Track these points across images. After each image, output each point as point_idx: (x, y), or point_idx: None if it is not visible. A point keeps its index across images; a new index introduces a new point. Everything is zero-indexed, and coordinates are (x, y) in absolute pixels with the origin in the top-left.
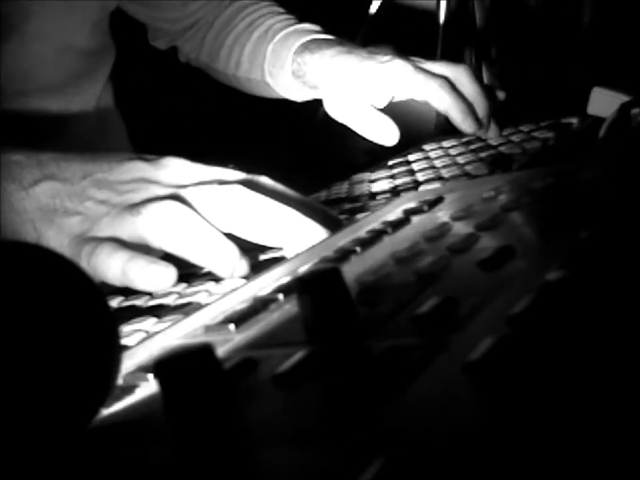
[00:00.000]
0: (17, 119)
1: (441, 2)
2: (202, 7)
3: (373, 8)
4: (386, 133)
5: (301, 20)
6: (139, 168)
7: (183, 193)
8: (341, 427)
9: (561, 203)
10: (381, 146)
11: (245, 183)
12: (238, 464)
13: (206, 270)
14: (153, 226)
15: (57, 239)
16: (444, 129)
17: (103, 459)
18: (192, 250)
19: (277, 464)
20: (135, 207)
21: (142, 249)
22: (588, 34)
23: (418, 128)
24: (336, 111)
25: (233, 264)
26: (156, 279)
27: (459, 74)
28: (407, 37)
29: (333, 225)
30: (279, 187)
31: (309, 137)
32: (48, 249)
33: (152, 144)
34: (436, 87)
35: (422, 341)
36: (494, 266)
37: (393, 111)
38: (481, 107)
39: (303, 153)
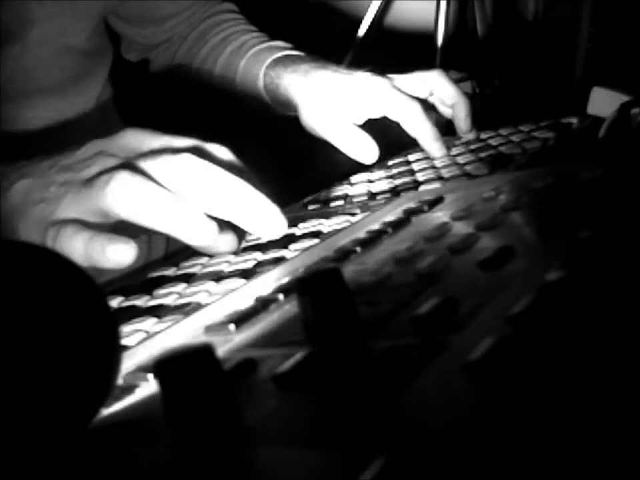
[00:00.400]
0: (18, 119)
1: (441, 4)
2: (178, 23)
3: (362, 30)
4: (364, 150)
5: (280, 39)
6: (95, 145)
7: (135, 162)
8: (341, 426)
9: (560, 202)
10: (385, 143)
11: (197, 151)
12: (238, 464)
13: (206, 270)
14: (108, 197)
15: (26, 230)
16: (444, 129)
17: (103, 459)
18: (152, 217)
19: (277, 464)
20: (89, 181)
21: (107, 226)
22: (588, 34)
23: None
24: (312, 125)
25: (201, 228)
26: (117, 257)
27: (435, 79)
28: (404, 50)
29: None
30: (233, 158)
31: (308, 137)
32: (48, 249)
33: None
34: (410, 111)
35: (422, 341)
36: (494, 266)
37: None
38: (462, 106)
39: (302, 153)
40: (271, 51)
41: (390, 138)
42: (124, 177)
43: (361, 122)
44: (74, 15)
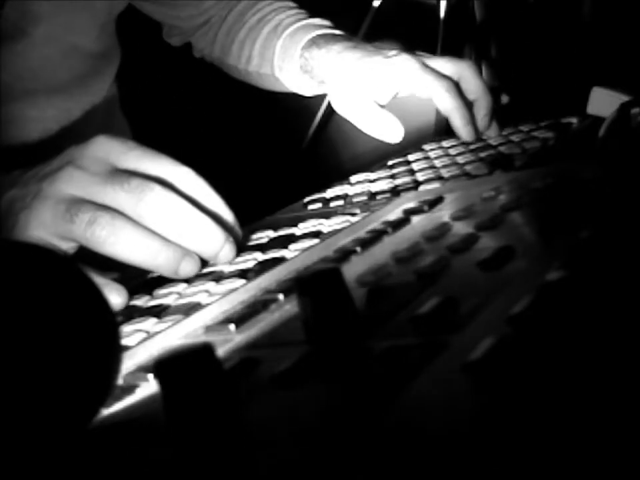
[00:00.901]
0: (23, 117)
1: (441, 3)
2: (215, 4)
3: (376, 2)
4: (390, 130)
5: (311, 14)
6: (69, 155)
7: (108, 191)
8: (340, 426)
9: (560, 202)
10: (385, 143)
11: (165, 177)
12: (238, 464)
13: (206, 270)
14: (90, 236)
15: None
16: (444, 128)
17: (103, 459)
18: (132, 255)
19: (277, 464)
20: (65, 209)
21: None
22: (588, 33)
23: (417, 127)
24: (341, 106)
25: (173, 264)
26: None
27: (464, 69)
28: (408, 31)
29: (236, 237)
30: (200, 183)
31: (308, 137)
32: (48, 249)
33: (156, 145)
34: (443, 88)
35: (422, 341)
36: (494, 266)
37: (393, 109)
38: (484, 103)
39: (302, 153)
40: (306, 30)
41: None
42: (104, 220)
43: (387, 101)
44: (81, 12)
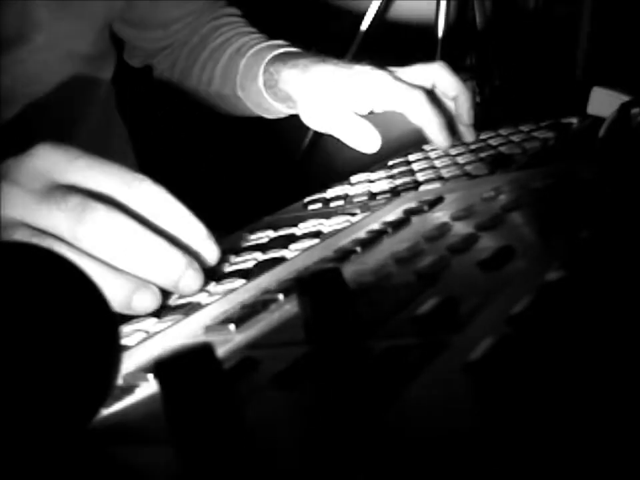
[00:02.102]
0: (22, 122)
1: (441, 4)
2: (182, 28)
3: (364, 25)
4: (367, 140)
5: (283, 39)
6: (4, 168)
7: (43, 214)
8: (340, 427)
9: (560, 202)
10: (364, 154)
11: (118, 192)
12: (238, 464)
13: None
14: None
15: None
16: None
17: (103, 459)
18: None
19: (276, 464)
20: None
21: None
22: (588, 34)
23: (417, 127)
24: (313, 120)
25: (121, 296)
26: None
27: (436, 71)
28: (405, 50)
29: (209, 256)
30: (162, 198)
31: (308, 137)
32: (48, 249)
33: (153, 147)
34: (414, 100)
35: (422, 340)
36: (494, 266)
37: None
38: (465, 97)
39: (302, 153)
40: (271, 49)
41: (390, 137)
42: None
43: (365, 112)
44: (79, 18)
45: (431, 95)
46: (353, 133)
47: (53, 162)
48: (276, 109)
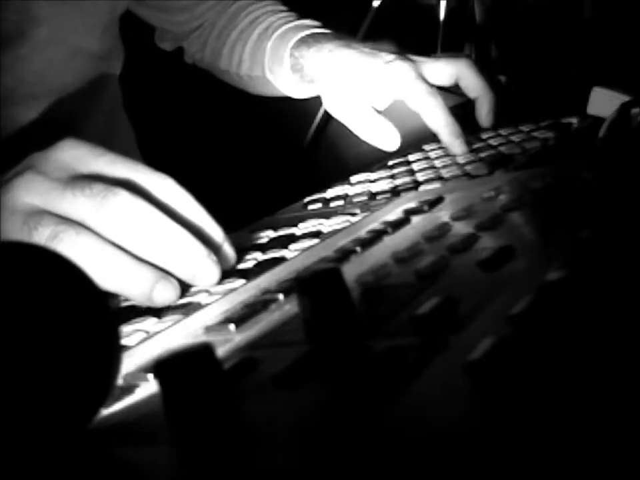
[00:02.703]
0: (27, 121)
1: (441, 3)
2: (209, 9)
3: (376, 2)
4: (386, 138)
5: (303, 16)
6: (31, 160)
7: (68, 201)
8: (341, 426)
9: (560, 202)
10: (381, 150)
11: (136, 185)
12: (238, 464)
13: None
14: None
15: None
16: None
17: (103, 459)
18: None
19: (276, 464)
20: (24, 221)
21: None
22: (588, 34)
23: (417, 127)
24: (334, 108)
25: (139, 285)
26: None
27: (462, 68)
28: (408, 31)
29: (225, 259)
30: (176, 191)
31: (308, 137)
32: (48, 249)
33: (159, 146)
34: (432, 105)
35: (422, 341)
36: (494, 266)
37: (392, 109)
38: (486, 100)
39: (302, 153)
40: (296, 30)
41: (406, 130)
42: (67, 236)
43: (384, 106)
44: (82, 13)
45: (452, 89)
46: (373, 131)
47: (78, 155)
48: (305, 91)
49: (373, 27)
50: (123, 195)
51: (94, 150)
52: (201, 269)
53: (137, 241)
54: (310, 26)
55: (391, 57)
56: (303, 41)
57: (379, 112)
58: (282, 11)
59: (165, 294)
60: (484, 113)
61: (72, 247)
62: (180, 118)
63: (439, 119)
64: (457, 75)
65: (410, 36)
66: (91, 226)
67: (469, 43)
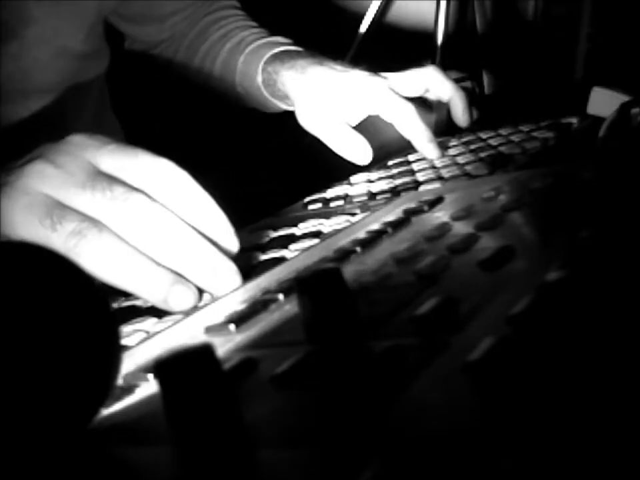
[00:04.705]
0: (16, 118)
1: (440, 4)
2: (180, 20)
3: (363, 27)
4: (359, 152)
5: (277, 34)
6: (39, 149)
7: (85, 197)
8: (340, 427)
9: (560, 202)
10: (385, 145)
11: (151, 181)
12: (238, 464)
13: None
14: (67, 248)
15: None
16: (443, 129)
17: (103, 459)
18: (114, 275)
19: (277, 464)
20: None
21: None
22: (588, 34)
23: (396, 141)
24: (308, 123)
25: (156, 286)
26: None
27: (429, 76)
28: (404, 50)
29: (231, 247)
30: (190, 185)
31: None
32: (48, 249)
33: (148, 145)
34: (404, 113)
35: (422, 341)
36: (494, 266)
37: (369, 124)
38: (459, 99)
39: (302, 152)
40: (270, 46)
41: (388, 137)
42: (91, 234)
43: (357, 121)
44: (70, 14)
45: (425, 100)
46: (345, 145)
47: (88, 148)
48: (275, 106)
49: (365, 49)
50: (143, 200)
51: (101, 141)
52: (219, 277)
53: (156, 246)
54: (282, 43)
55: (363, 73)
56: (276, 57)
57: (352, 127)
58: (253, 27)
59: (182, 298)
60: (459, 112)
61: (94, 244)
62: (169, 117)
63: (410, 126)
64: (425, 83)
65: (407, 61)
66: (110, 227)
67: (469, 43)
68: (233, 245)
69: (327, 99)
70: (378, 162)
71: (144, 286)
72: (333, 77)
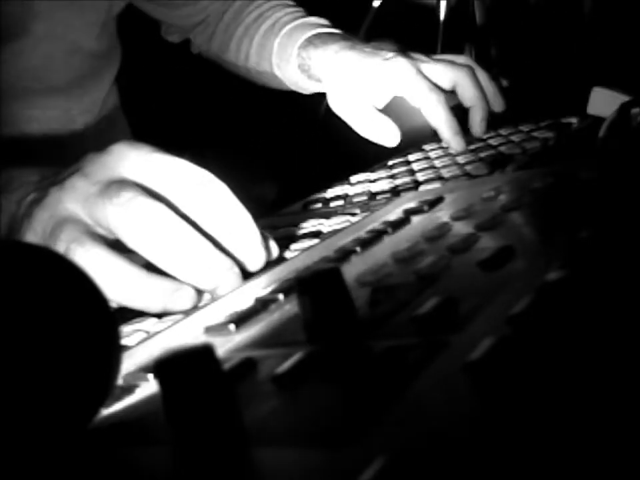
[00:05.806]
0: (25, 117)
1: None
2: (213, 2)
3: (376, 2)
4: (387, 134)
5: (308, 12)
6: (82, 159)
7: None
8: (341, 427)
9: (560, 202)
10: (382, 146)
11: (188, 195)
12: (238, 464)
13: None
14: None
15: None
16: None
17: (103, 459)
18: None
19: (277, 464)
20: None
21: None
22: (588, 33)
23: (417, 127)
24: (338, 106)
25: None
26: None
27: (461, 78)
28: (408, 31)
29: (253, 264)
30: (227, 201)
31: (309, 137)
32: (48, 249)
33: (157, 145)
34: (433, 101)
35: (422, 340)
36: (494, 266)
37: (393, 108)
38: (480, 110)
39: (302, 152)
40: (304, 29)
41: (414, 121)
42: (79, 247)
43: (384, 103)
44: (80, 9)
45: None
46: (374, 128)
47: (123, 157)
48: (311, 89)
49: (373, 26)
50: (148, 206)
51: (139, 150)
52: (222, 281)
53: (158, 253)
54: (316, 24)
55: (392, 54)
56: (310, 42)
57: (379, 110)
58: (288, 6)
59: (180, 303)
60: (477, 120)
61: (81, 257)
62: (178, 117)
63: (439, 115)
64: (455, 82)
65: (410, 36)
66: (116, 234)
67: (469, 43)
68: (256, 256)
69: (356, 84)
70: (408, 147)
71: (136, 298)
72: (363, 61)
